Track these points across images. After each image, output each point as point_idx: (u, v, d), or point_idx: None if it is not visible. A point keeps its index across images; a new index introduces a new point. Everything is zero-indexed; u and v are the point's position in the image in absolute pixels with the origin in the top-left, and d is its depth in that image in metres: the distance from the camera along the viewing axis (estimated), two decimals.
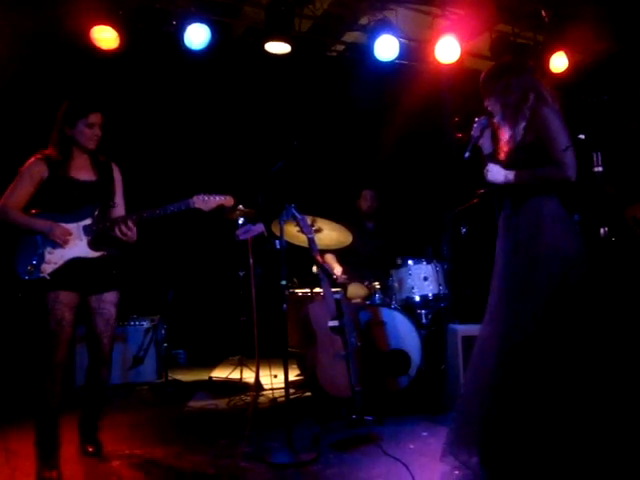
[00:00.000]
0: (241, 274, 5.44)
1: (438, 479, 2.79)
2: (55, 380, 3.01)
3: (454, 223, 5.00)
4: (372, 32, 5.29)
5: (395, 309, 4.60)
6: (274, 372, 4.97)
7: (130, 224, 3.13)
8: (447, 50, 5.35)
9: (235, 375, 5.27)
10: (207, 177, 5.49)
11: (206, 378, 5.50)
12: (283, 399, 3.48)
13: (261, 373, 4.65)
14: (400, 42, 5.30)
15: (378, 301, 4.69)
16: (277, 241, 3.52)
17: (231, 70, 6.06)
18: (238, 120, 6.38)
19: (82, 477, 3.01)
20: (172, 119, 6.14)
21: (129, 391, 5.10)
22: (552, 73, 5.53)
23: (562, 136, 2.75)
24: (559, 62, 5.52)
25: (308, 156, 4.66)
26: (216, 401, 4.63)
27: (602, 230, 2.98)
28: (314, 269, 5.11)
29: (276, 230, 3.99)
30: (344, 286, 4.87)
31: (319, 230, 4.44)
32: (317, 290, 4.80)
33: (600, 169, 2.89)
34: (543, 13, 5.38)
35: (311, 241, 3.81)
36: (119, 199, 3.35)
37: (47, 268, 3.03)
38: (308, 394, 4.54)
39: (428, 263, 4.75)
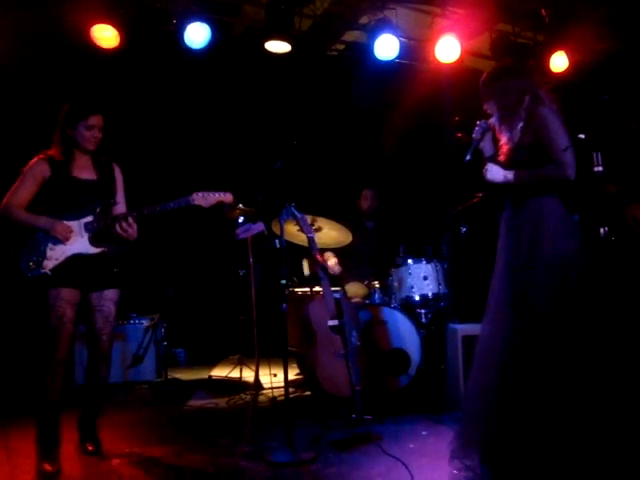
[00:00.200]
0: (241, 273, 5.44)
1: (438, 479, 2.79)
2: (56, 376, 3.05)
3: (454, 222, 5.00)
4: (372, 31, 5.28)
5: (395, 308, 4.60)
6: (274, 371, 4.97)
7: (130, 221, 3.16)
8: (447, 49, 5.35)
9: (235, 374, 5.27)
10: (207, 176, 5.50)
11: (206, 377, 5.50)
12: (283, 398, 3.48)
13: (261, 372, 4.64)
14: (400, 41, 5.29)
15: (378, 300, 4.69)
16: (277, 240, 3.52)
17: (231, 69, 6.06)
18: (238, 119, 6.38)
19: (82, 475, 3.01)
20: (172, 118, 6.14)
21: (129, 390, 5.10)
22: (552, 73, 5.53)
23: (561, 136, 2.76)
24: (559, 62, 5.52)
25: (308, 155, 4.66)
26: (216, 400, 4.63)
27: (602, 230, 2.98)
28: (305, 270, 5.13)
29: (276, 229, 3.99)
30: (341, 282, 4.87)
31: (319, 229, 4.44)
32: (317, 289, 4.80)
33: (600, 169, 2.90)
34: (543, 13, 5.38)
35: (311, 240, 3.81)
36: (120, 198, 3.39)
37: (48, 264, 3.07)
38: (308, 393, 4.54)
39: (428, 262, 4.75)
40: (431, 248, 4.90)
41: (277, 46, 5.19)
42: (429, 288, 4.71)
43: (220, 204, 3.28)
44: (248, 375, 5.13)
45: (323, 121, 6.32)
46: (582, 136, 2.78)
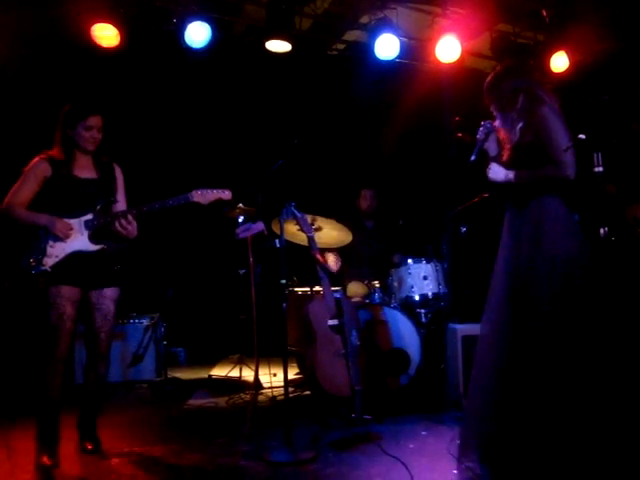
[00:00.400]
0: (241, 272, 5.44)
1: (438, 479, 2.79)
2: (56, 373, 3.09)
3: (454, 222, 5.00)
4: (373, 31, 5.28)
5: (395, 308, 4.60)
6: (273, 371, 4.97)
7: (130, 218, 3.19)
8: (447, 49, 5.35)
9: (234, 373, 5.27)
10: (208, 175, 5.49)
11: (205, 376, 5.50)
12: (282, 398, 3.48)
13: (260, 372, 4.65)
14: (400, 41, 5.29)
15: (378, 300, 4.69)
16: (277, 240, 3.52)
17: (232, 68, 6.05)
18: (238, 118, 6.38)
19: (81, 474, 3.01)
20: (173, 117, 6.14)
21: (128, 389, 5.11)
22: (553, 73, 5.53)
23: (561, 135, 2.76)
24: (560, 62, 5.52)
25: (308, 155, 4.66)
26: (215, 399, 4.63)
27: (602, 230, 2.98)
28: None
29: (276, 228, 3.99)
30: (342, 281, 4.87)
31: (319, 229, 4.44)
32: (317, 289, 4.80)
33: (600, 169, 2.89)
34: (544, 13, 5.38)
35: (311, 240, 3.81)
36: (120, 198, 3.41)
37: (49, 261, 3.10)
38: (307, 393, 4.54)
39: (428, 262, 4.76)
40: (431, 248, 4.91)
41: (278, 45, 5.19)
42: (429, 288, 4.72)
43: (219, 201, 3.31)
44: (248, 374, 5.12)
45: (323, 120, 6.32)
46: (582, 136, 2.77)
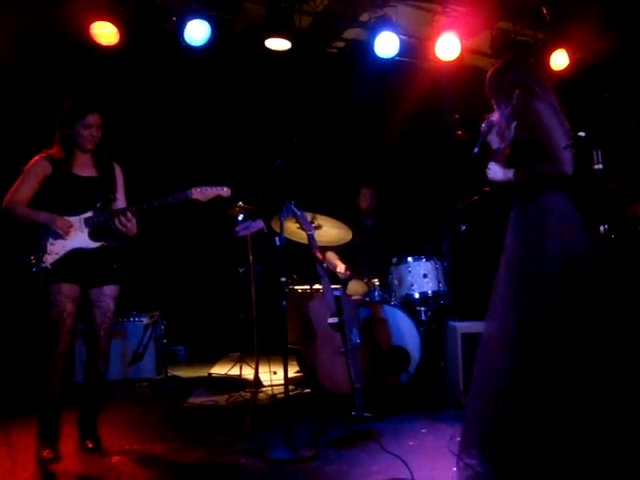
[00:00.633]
0: (241, 271, 5.44)
1: (438, 476, 2.79)
2: (57, 370, 3.11)
3: (454, 220, 4.99)
4: (372, 29, 5.27)
5: (395, 306, 4.60)
6: (274, 369, 4.97)
7: (129, 215, 3.21)
8: (447, 47, 5.34)
9: (235, 372, 5.27)
10: (208, 173, 5.47)
11: (206, 374, 5.50)
12: (282, 396, 3.48)
13: (260, 370, 4.63)
14: (400, 39, 5.28)
15: (378, 298, 4.69)
16: (277, 238, 3.52)
17: (231, 67, 6.05)
18: (238, 117, 6.38)
19: (81, 472, 3.01)
20: (172, 115, 6.13)
21: (128, 387, 5.11)
22: (553, 71, 5.52)
23: (557, 132, 2.73)
24: (560, 60, 5.51)
25: (308, 153, 4.65)
26: (215, 397, 4.64)
27: (602, 228, 2.98)
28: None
29: (276, 227, 3.99)
30: (345, 283, 4.87)
31: (319, 227, 4.44)
32: (317, 287, 4.80)
33: (600, 167, 2.89)
34: (544, 10, 5.37)
35: (311, 238, 3.81)
36: (120, 196, 3.43)
37: (49, 259, 3.13)
38: (307, 391, 4.55)
39: (428, 260, 4.76)
40: (431, 246, 4.91)
41: (277, 43, 5.18)
42: (429, 286, 4.72)
43: (218, 199, 3.33)
44: (248, 373, 5.13)
45: (323, 119, 6.32)
46: (583, 134, 2.77)
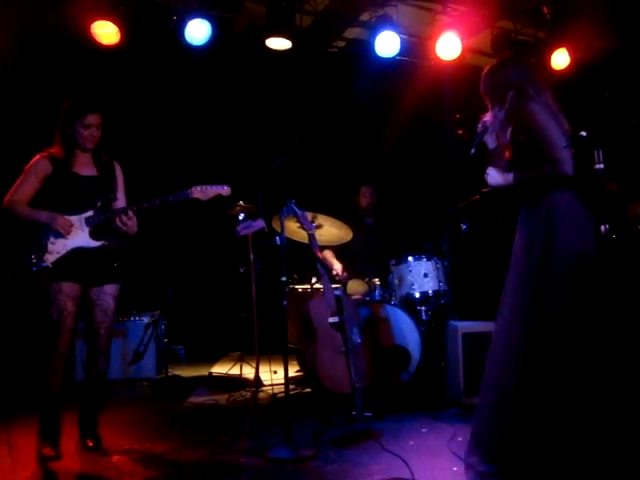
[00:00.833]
0: (241, 270, 5.44)
1: (438, 476, 2.79)
2: (57, 369, 3.13)
3: (455, 220, 4.99)
4: (373, 28, 5.28)
5: (395, 305, 4.60)
6: (274, 368, 4.98)
7: (130, 214, 3.22)
8: (448, 47, 5.35)
9: (235, 371, 5.27)
10: (208, 173, 5.47)
11: (206, 374, 5.51)
12: (283, 395, 3.48)
13: (261, 369, 4.64)
14: (401, 38, 5.29)
15: (378, 297, 4.69)
16: (277, 237, 3.52)
17: (232, 66, 6.05)
18: (239, 116, 6.38)
19: (82, 471, 3.01)
20: (173, 115, 6.13)
21: (129, 386, 5.11)
22: (553, 70, 5.52)
23: (554, 132, 2.71)
24: (560, 59, 5.52)
25: (309, 152, 4.65)
26: (216, 397, 4.64)
27: (603, 228, 2.97)
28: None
29: (277, 226, 3.99)
30: (344, 283, 4.87)
31: (319, 226, 4.44)
32: (317, 286, 4.80)
33: (601, 166, 2.88)
34: (545, 10, 5.37)
35: (311, 237, 3.81)
36: (120, 195, 3.44)
37: (50, 258, 3.13)
38: (308, 390, 4.55)
39: (428, 260, 4.75)
40: (431, 245, 4.90)
41: (278, 43, 5.19)
42: (429, 285, 4.71)
43: (219, 197, 3.34)
44: (248, 372, 5.13)
45: (323, 118, 6.31)
46: (584, 133, 2.76)
